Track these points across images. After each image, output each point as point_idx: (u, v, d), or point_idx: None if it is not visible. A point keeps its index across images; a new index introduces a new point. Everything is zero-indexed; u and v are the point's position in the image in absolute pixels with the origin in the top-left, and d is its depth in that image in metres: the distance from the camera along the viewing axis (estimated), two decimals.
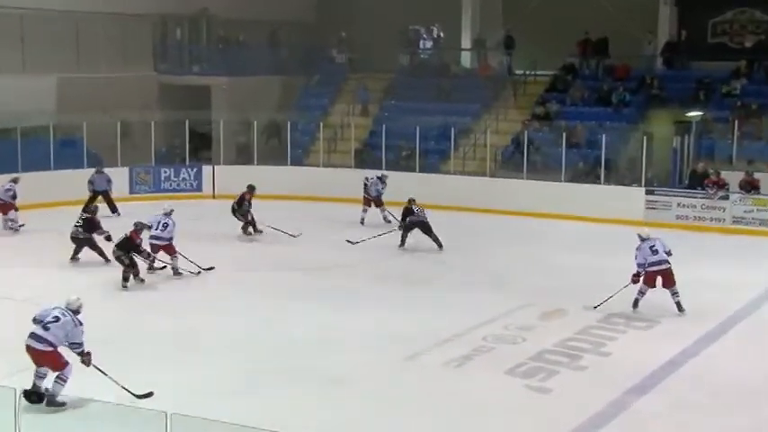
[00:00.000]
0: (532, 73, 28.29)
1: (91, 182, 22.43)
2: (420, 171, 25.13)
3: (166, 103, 27.77)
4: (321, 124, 27.85)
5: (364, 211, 22.09)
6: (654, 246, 14.63)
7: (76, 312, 10.69)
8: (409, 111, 26.94)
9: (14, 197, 20.48)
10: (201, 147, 27.58)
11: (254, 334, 13.63)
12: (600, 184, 23.38)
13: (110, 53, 26.83)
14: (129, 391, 10.47)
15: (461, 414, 10.76)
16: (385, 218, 21.87)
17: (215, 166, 25.72)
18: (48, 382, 10.47)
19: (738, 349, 13.33)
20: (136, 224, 16.24)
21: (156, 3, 28.43)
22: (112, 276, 16.11)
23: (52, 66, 25.42)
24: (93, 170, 22.91)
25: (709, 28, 28.16)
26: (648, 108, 25.98)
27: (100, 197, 22.16)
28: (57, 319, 10.51)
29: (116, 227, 17.47)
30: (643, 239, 14.80)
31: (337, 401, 10.97)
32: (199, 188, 25.40)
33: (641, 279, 14.69)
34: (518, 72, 28.75)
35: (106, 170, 23.02)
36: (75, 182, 22.41)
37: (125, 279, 15.87)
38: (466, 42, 30.58)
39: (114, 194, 22.77)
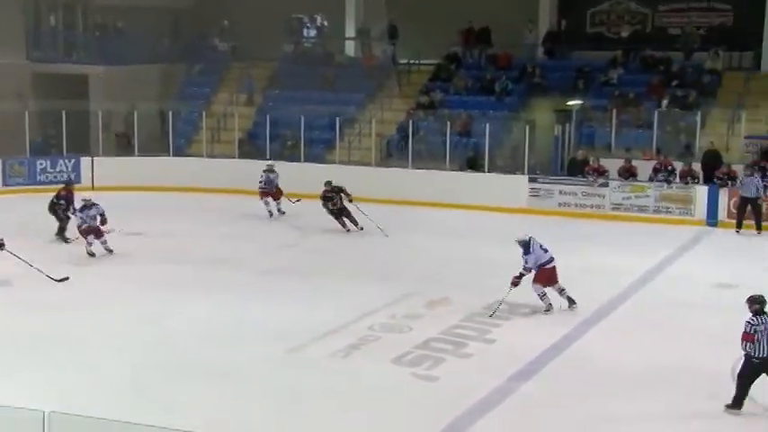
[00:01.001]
0: (416, 62, 28.56)
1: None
2: (305, 161, 25.12)
3: (41, 93, 27.05)
4: (204, 114, 27.59)
5: (267, 203, 21.88)
6: (542, 244, 14.47)
7: None
8: (293, 100, 26.90)
9: None
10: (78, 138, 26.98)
11: (138, 329, 13.45)
12: (484, 172, 23.79)
13: None
14: (48, 276, 10.41)
15: (348, 404, 10.85)
16: (280, 210, 21.74)
17: (94, 158, 25.20)
18: None
19: (615, 335, 13.75)
20: None
21: None
22: None
23: None
24: None
25: (588, 18, 28.95)
26: (530, 96, 26.54)
27: None
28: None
29: None
30: (526, 243, 14.37)
31: (223, 396, 10.91)
32: (77, 180, 24.81)
33: (535, 278, 14.41)
34: (402, 62, 28.98)
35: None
36: None
37: None
38: (350, 32, 30.62)
39: None
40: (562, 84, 26.35)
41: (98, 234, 17.72)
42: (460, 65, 28.32)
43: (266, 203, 21.84)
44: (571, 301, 14.60)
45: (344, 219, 20.21)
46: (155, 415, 9.11)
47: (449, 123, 24.45)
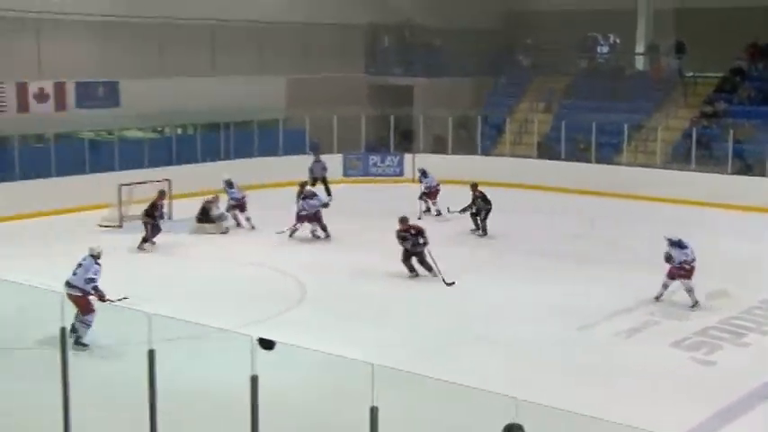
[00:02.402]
0: (701, 75, 26.88)
1: (311, 169, 22.67)
2: (595, 162, 24.42)
3: (374, 101, 28.12)
4: (507, 120, 27.51)
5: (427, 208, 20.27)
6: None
7: (97, 257, 11.14)
8: (587, 109, 26.19)
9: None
10: (404, 139, 27.80)
11: (439, 301, 13.59)
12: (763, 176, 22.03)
13: (329, 57, 27.37)
14: (119, 299, 10.97)
15: (630, 381, 10.36)
16: (438, 211, 20.40)
17: (415, 155, 25.85)
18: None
19: None
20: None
21: (367, 14, 28.79)
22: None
23: (283, 68, 26.20)
24: (312, 156, 23.42)
25: None
26: None
27: (318, 182, 22.46)
28: (79, 265, 11.07)
29: (329, 211, 17.88)
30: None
31: (508, 363, 10.78)
32: (401, 173, 25.62)
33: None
34: (688, 74, 27.36)
35: (323, 157, 23.50)
36: (299, 165, 23.00)
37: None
38: (640, 48, 29.39)
39: (329, 176, 23.19)
40: None
41: (312, 220, 17.59)
42: (745, 78, 26.31)
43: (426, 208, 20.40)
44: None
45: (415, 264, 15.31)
46: (454, 374, 9.11)
47: (731, 131, 22.79)
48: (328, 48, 27.26)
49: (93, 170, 20.72)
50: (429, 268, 14.70)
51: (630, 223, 19.52)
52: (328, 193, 22.10)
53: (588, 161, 24.44)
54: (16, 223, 18.33)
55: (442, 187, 20.44)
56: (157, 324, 6.73)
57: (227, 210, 18.74)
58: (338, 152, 25.13)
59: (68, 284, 11.01)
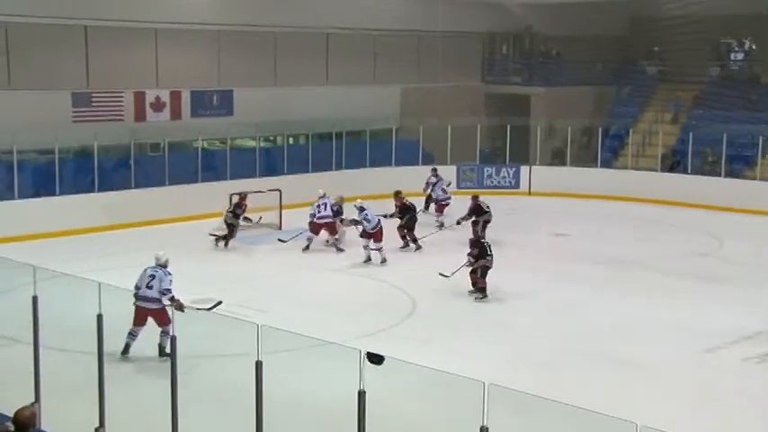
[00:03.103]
0: None
1: (429, 183, 21.73)
2: (726, 176, 23.56)
3: (491, 110, 28.00)
4: (630, 131, 26.88)
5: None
6: None
7: (165, 266, 11.09)
8: (717, 119, 25.34)
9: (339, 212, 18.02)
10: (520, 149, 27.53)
11: (552, 318, 13.39)
12: None
13: (445, 66, 27.42)
14: (213, 306, 11.36)
15: (763, 408, 9.90)
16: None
17: (532, 167, 25.56)
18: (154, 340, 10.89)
19: None
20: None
21: (486, 22, 28.75)
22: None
23: (397, 78, 26.43)
24: (429, 168, 23.17)
25: None
26: None
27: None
28: (153, 277, 10.98)
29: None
30: None
31: (636, 388, 10.47)
32: (516, 185, 25.37)
33: None
34: None
35: (439, 167, 23.31)
36: (412, 177, 22.94)
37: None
38: None
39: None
40: None
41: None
42: None
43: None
44: None
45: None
46: (568, 394, 8.91)
47: None
48: (444, 56, 27.31)
49: (205, 179, 21.30)
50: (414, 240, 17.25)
51: (763, 241, 18.73)
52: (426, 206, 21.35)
53: (717, 175, 23.61)
54: (129, 231, 18.97)
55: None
56: (266, 335, 6.83)
57: (360, 236, 17.00)
58: (452, 163, 25.10)
59: (144, 298, 10.97)
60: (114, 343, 10.05)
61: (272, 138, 24.58)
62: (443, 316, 13.44)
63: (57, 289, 9.51)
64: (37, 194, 19.19)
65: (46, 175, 19.30)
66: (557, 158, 26.81)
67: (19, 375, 8.79)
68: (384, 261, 16.54)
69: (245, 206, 18.12)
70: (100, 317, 7.83)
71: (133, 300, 10.94)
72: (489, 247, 14.41)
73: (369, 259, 16.59)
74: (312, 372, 10.01)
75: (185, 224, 19.69)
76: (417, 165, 24.27)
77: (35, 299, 8.25)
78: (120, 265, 15.16)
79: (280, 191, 19.59)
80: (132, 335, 11.03)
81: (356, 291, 15.00)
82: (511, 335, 12.56)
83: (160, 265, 11.17)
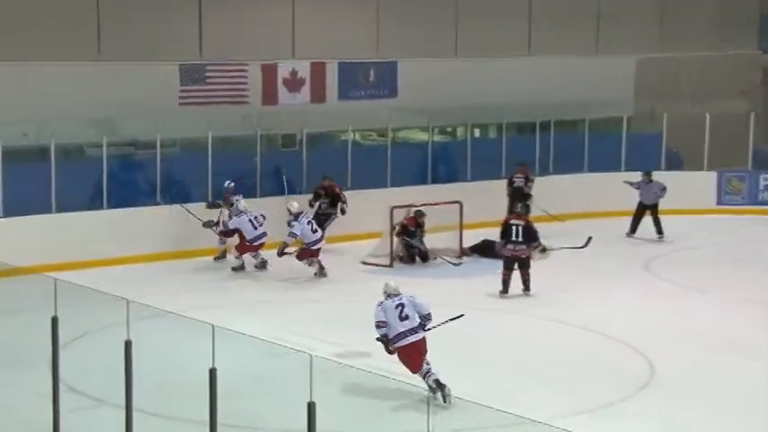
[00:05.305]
0: None
1: (638, 187, 22.05)
2: None
3: None
4: None
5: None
6: None
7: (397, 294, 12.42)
8: None
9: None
10: None
11: None
12: None
13: (700, 27, 26.85)
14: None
15: None
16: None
17: None
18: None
19: None
20: None
21: None
22: None
23: (629, 46, 26.20)
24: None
25: None
26: None
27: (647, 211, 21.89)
28: (403, 306, 12.29)
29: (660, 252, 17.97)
30: None
31: None
32: None
33: None
34: None
35: (691, 174, 22.95)
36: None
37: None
38: None
39: (691, 206, 22.81)
40: None
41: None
42: None
43: None
44: None
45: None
46: None
47: None
48: (699, 14, 26.78)
49: (360, 184, 21.45)
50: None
51: None
52: (658, 230, 21.50)
53: None
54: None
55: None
56: (456, 409, 6.88)
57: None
58: (710, 168, 24.49)
59: (409, 332, 12.16)
60: (230, 408, 10.34)
61: (449, 129, 24.84)
62: (693, 386, 13.10)
63: (156, 331, 9.83)
64: (128, 202, 19.71)
65: (142, 176, 20.07)
66: None
67: None
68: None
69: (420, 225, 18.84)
70: (213, 372, 8.03)
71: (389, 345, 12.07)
72: None
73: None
74: None
75: (330, 247, 19.75)
76: (659, 169, 23.64)
77: (128, 345, 8.56)
78: (232, 301, 15.58)
79: (460, 203, 19.66)
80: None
81: (553, 342, 14.96)
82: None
83: (392, 295, 12.50)
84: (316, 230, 18.29)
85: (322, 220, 19.74)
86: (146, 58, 21.05)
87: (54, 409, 9.28)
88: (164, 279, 17.97)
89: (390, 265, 19.03)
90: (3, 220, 18.35)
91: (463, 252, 19.77)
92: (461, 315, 13.03)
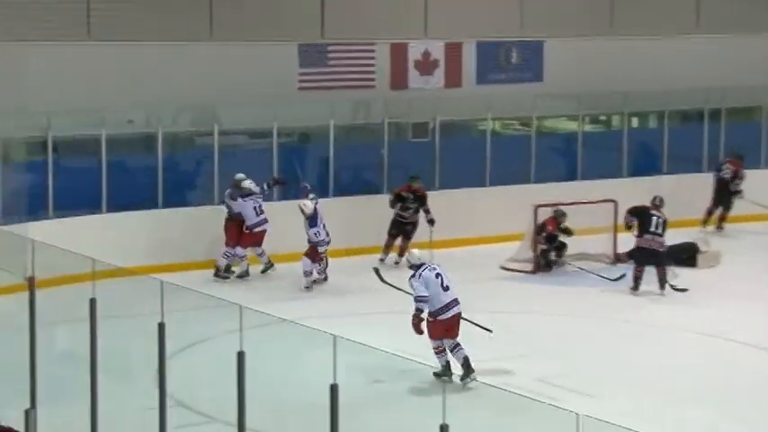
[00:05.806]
0: None
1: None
2: None
3: None
4: None
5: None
6: None
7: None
8: None
9: None
10: None
11: None
12: None
13: None
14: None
15: None
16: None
17: None
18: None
19: None
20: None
21: None
22: None
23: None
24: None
25: None
26: None
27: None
28: (442, 275, 13.14)
29: None
30: None
31: None
32: None
33: None
34: None
35: None
36: None
37: None
38: None
39: None
40: None
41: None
42: None
43: None
44: None
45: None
46: None
47: None
48: None
49: (497, 181, 21.51)
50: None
51: None
52: None
53: None
54: (365, 259, 18.99)
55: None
56: None
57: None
58: None
59: (455, 303, 13.04)
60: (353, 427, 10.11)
61: (602, 118, 24.56)
62: None
63: (271, 341, 9.58)
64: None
65: (258, 169, 19.74)
66: None
67: None
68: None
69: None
70: (335, 388, 7.79)
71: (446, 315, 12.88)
72: None
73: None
74: None
75: (462, 250, 19.83)
76: None
77: (241, 356, 8.34)
78: (347, 310, 15.45)
79: (615, 203, 19.54)
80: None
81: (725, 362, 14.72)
82: None
83: (419, 266, 13.29)
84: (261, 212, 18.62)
85: (408, 229, 19.48)
86: (261, 38, 21.03)
87: (161, 427, 9.14)
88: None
89: (534, 272, 19.04)
90: (106, 215, 18.56)
91: (618, 258, 19.37)
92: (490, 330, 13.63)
